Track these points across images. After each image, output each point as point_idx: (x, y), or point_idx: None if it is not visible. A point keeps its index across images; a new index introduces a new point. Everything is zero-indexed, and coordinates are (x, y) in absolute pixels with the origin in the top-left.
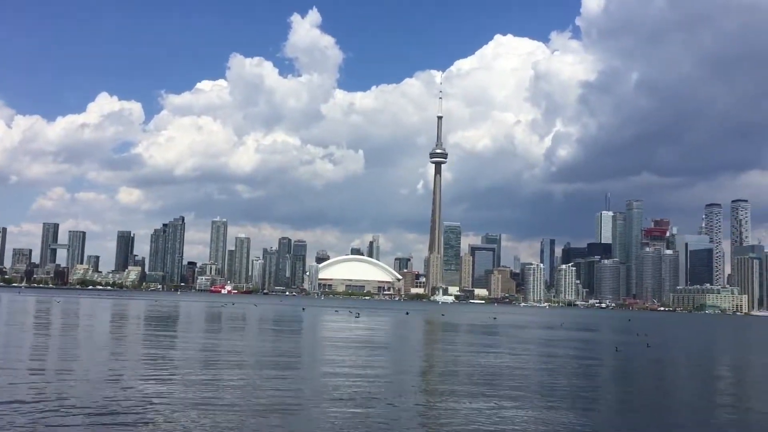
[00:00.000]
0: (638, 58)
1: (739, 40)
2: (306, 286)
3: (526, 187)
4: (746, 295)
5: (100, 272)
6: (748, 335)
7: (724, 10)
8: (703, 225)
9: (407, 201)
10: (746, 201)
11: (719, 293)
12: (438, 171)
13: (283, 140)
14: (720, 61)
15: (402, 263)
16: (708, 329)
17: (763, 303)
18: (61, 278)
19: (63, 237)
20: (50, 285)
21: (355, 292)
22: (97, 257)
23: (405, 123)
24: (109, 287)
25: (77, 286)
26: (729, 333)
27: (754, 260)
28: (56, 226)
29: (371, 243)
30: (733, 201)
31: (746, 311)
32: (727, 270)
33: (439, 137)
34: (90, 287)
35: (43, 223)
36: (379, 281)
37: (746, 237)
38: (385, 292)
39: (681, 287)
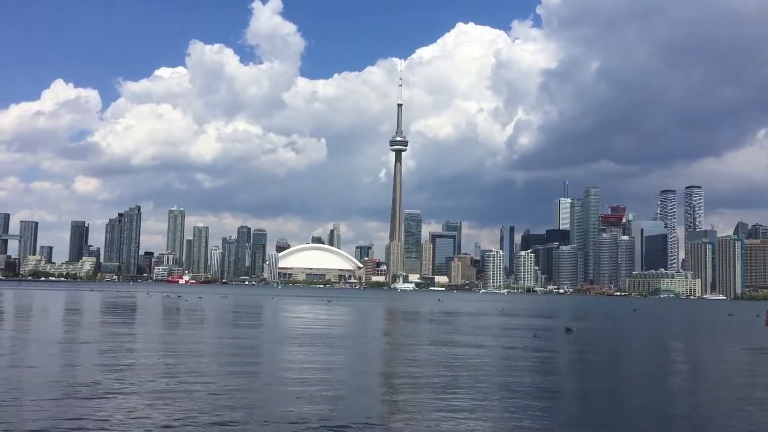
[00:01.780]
0: (597, 46)
1: (692, 30)
2: (266, 275)
3: (488, 175)
4: (699, 280)
5: (54, 263)
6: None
7: (677, 0)
8: (658, 211)
9: (369, 189)
10: (700, 187)
11: (673, 278)
12: (398, 159)
13: (244, 128)
14: (674, 50)
15: (363, 251)
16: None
17: (716, 287)
18: (12, 270)
19: (15, 228)
20: (1, 277)
21: (315, 280)
22: (50, 248)
23: (367, 111)
24: (62, 278)
25: (29, 278)
26: (660, 315)
27: (707, 245)
28: (7, 216)
29: (332, 231)
30: (686, 187)
31: (699, 295)
32: (681, 255)
33: (399, 125)
34: (42, 279)
35: None
36: (339, 269)
37: (699, 223)
38: (346, 281)
39: (637, 272)
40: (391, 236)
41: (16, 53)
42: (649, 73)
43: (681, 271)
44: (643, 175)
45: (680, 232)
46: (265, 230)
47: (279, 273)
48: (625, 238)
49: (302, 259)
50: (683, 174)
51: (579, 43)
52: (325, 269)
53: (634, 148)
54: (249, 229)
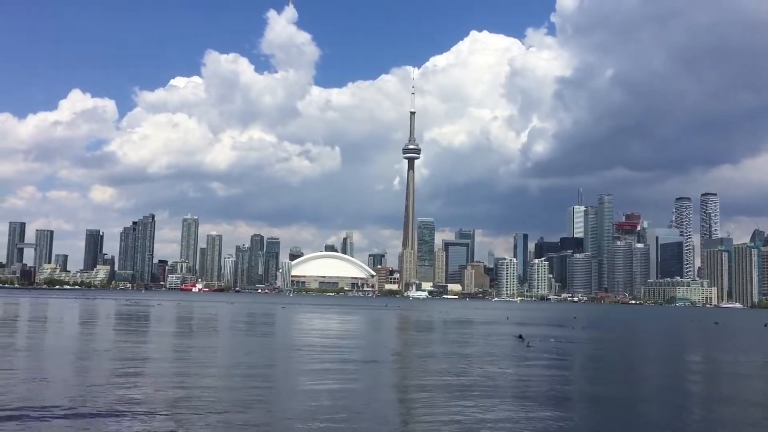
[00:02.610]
0: (612, 53)
1: (708, 34)
2: (279, 283)
3: (502, 183)
4: (715, 288)
5: (69, 271)
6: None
7: (694, 4)
8: (674, 219)
9: (383, 197)
10: (715, 194)
11: (689, 286)
12: (411, 167)
13: (259, 137)
14: (690, 55)
15: (376, 259)
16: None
17: (732, 295)
18: (27, 278)
19: (31, 237)
20: (16, 285)
21: (328, 288)
22: (66, 256)
23: (381, 119)
24: (76, 287)
25: (44, 286)
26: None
27: (723, 253)
28: (23, 225)
29: (345, 239)
30: (702, 194)
31: (715, 303)
32: (697, 263)
33: (411, 133)
34: (57, 287)
35: (9, 222)
36: (352, 278)
37: (715, 230)
38: (358, 289)
39: (652, 280)
40: (404, 244)
41: (34, 64)
42: (665, 79)
43: (697, 279)
44: (659, 182)
45: (696, 239)
46: (278, 238)
47: (292, 281)
48: (640, 245)
49: (315, 267)
50: (699, 181)
51: (593, 50)
52: (338, 277)
53: (649, 155)
54: (262, 237)
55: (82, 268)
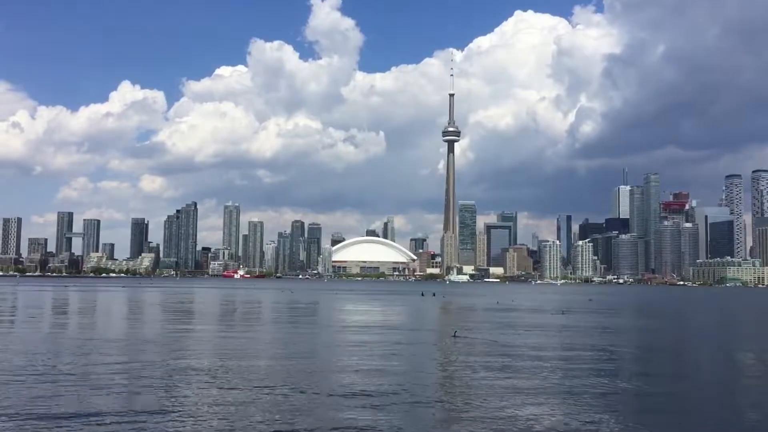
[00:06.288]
0: (664, 29)
1: (764, 8)
2: (320, 269)
3: (548, 165)
4: None
5: (115, 260)
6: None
7: None
8: (724, 197)
9: (428, 181)
10: (767, 171)
11: (740, 266)
12: (451, 149)
13: (304, 124)
14: (746, 29)
15: (418, 243)
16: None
17: None
18: (75, 267)
19: (80, 226)
20: (64, 273)
21: (369, 273)
22: (112, 245)
23: (425, 103)
24: (122, 274)
25: (90, 274)
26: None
27: None
28: (71, 215)
29: (386, 224)
30: (753, 171)
31: None
32: (749, 242)
33: (451, 115)
34: (103, 275)
35: (58, 212)
36: (393, 262)
37: None
38: (399, 273)
39: (701, 261)
40: (445, 228)
41: (84, 57)
42: (719, 55)
43: (748, 258)
44: (711, 160)
45: (747, 218)
46: (319, 224)
47: (333, 266)
48: (689, 225)
49: (356, 252)
50: (755, 158)
51: (644, 26)
52: (379, 262)
53: (701, 133)
54: (302, 223)
55: (128, 256)
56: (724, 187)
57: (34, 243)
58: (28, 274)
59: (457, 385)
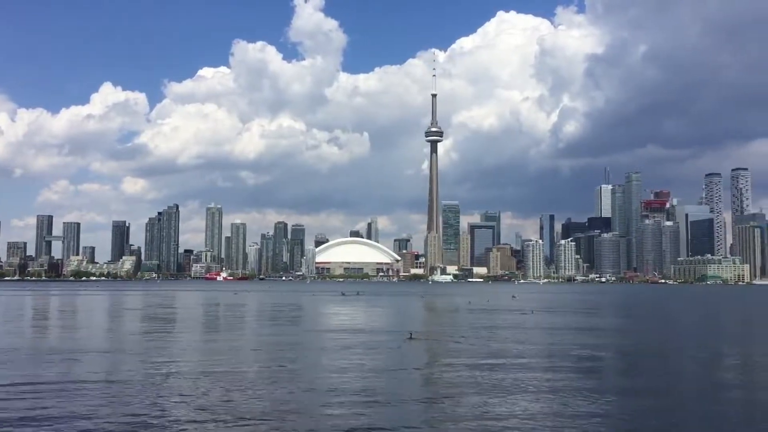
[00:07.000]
0: (645, 28)
1: (746, 6)
2: (303, 270)
3: (532, 164)
4: (748, 265)
5: (96, 263)
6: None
7: None
8: (704, 195)
9: (412, 182)
10: (746, 169)
11: (720, 263)
12: (434, 149)
13: (288, 125)
14: (727, 27)
15: (402, 244)
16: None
17: (765, 272)
18: (55, 270)
19: (60, 230)
20: (44, 277)
21: (352, 274)
22: (93, 248)
23: (409, 104)
24: (103, 278)
25: (71, 278)
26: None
27: (756, 229)
28: (50, 218)
29: (369, 225)
30: (733, 170)
31: (748, 281)
32: (729, 240)
33: (434, 115)
34: (84, 278)
35: (37, 216)
36: (377, 263)
37: (747, 206)
38: (383, 274)
39: (682, 258)
40: (428, 228)
41: (65, 58)
42: (701, 53)
43: (728, 256)
44: (693, 158)
45: (727, 216)
46: (303, 225)
47: (316, 268)
48: (669, 223)
49: (340, 253)
50: (735, 156)
51: (626, 26)
52: (362, 263)
53: (683, 132)
54: (285, 224)
55: (109, 259)
56: (704, 186)
57: (13, 247)
58: (6, 278)
59: (393, 384)
